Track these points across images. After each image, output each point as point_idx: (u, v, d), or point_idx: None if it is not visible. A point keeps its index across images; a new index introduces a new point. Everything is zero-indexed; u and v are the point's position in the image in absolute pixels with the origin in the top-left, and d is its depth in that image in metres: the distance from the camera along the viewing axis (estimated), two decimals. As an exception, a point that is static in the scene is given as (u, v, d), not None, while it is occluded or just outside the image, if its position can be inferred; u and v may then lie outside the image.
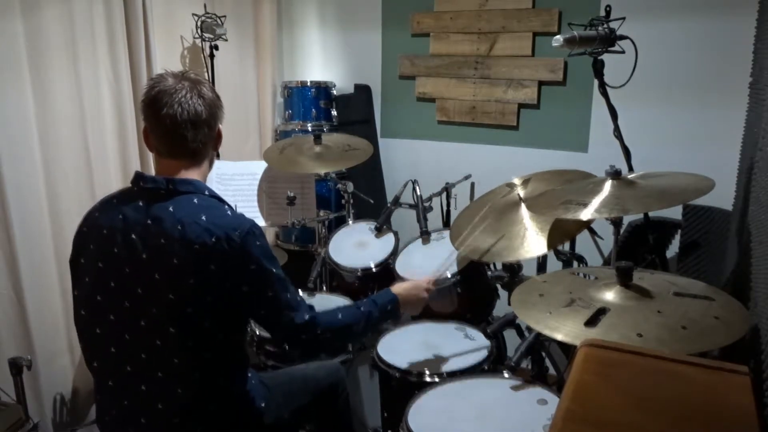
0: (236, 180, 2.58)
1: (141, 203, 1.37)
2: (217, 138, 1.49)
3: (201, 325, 1.34)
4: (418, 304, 1.77)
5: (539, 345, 1.64)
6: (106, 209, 1.42)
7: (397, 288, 1.72)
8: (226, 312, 1.36)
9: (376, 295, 1.69)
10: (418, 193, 2.32)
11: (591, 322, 1.21)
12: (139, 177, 1.42)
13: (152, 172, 1.46)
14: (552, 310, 1.29)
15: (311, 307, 1.49)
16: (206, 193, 1.41)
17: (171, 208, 1.35)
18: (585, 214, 1.49)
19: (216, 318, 1.35)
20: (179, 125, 1.36)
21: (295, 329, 1.44)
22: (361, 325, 1.58)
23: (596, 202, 1.51)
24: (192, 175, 1.42)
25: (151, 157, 2.56)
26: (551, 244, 1.75)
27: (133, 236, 1.35)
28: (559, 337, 1.21)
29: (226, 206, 1.42)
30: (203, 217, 1.33)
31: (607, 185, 1.57)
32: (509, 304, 2.14)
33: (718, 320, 1.15)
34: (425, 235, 2.28)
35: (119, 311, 1.37)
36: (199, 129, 1.39)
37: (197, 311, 1.32)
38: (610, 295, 1.28)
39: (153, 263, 1.33)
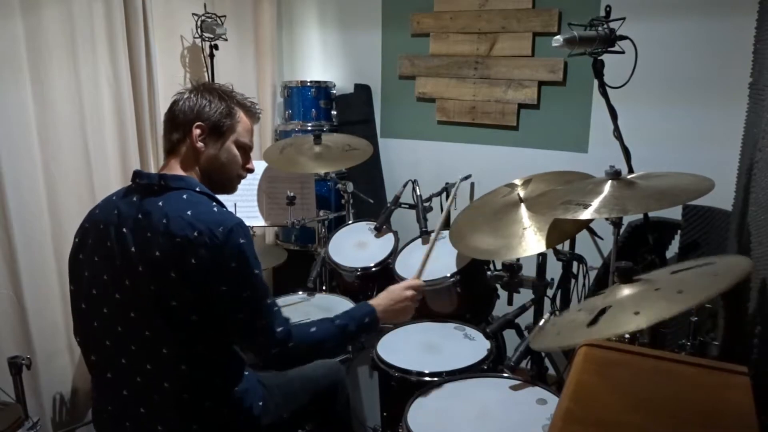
0: (236, 180, 2.58)
1: (135, 198, 1.42)
2: (191, 138, 1.47)
3: (188, 317, 1.34)
4: (404, 309, 1.71)
5: (539, 345, 1.64)
6: (105, 206, 1.47)
7: (375, 300, 1.67)
8: (210, 311, 1.35)
9: (353, 308, 1.66)
10: (418, 193, 2.32)
11: (593, 322, 1.21)
12: (136, 174, 1.47)
13: (153, 171, 1.49)
14: (561, 331, 1.29)
15: (287, 320, 1.45)
16: (197, 189, 1.43)
17: (161, 203, 1.38)
18: (585, 215, 1.49)
19: (202, 314, 1.35)
20: (164, 125, 1.51)
21: (268, 340, 1.40)
22: (335, 340, 1.53)
23: (596, 202, 1.51)
24: (181, 171, 1.47)
25: (151, 156, 2.58)
26: (549, 244, 1.75)
27: (125, 230, 1.38)
28: (569, 345, 1.21)
29: (215, 203, 1.43)
30: (189, 212, 1.35)
31: (607, 186, 1.57)
32: (509, 304, 2.14)
33: (716, 276, 1.12)
34: (425, 235, 2.28)
35: (111, 304, 1.40)
36: (171, 125, 1.49)
37: (181, 304, 1.33)
38: (612, 296, 1.28)
39: (139, 256, 1.35)
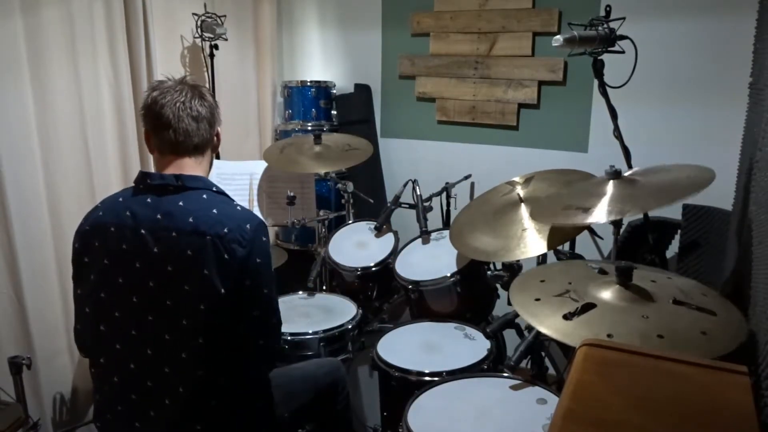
0: (236, 180, 2.58)
1: (149, 200, 1.40)
2: (217, 139, 1.54)
3: (211, 320, 1.34)
4: None
5: (539, 345, 1.64)
6: (111, 208, 1.44)
7: None
8: (230, 309, 1.37)
9: None
10: (418, 192, 2.32)
11: (571, 315, 1.22)
12: (145, 175, 1.44)
13: (152, 171, 1.48)
14: (542, 297, 1.30)
15: None
16: (214, 189, 1.45)
17: (181, 203, 1.38)
18: (586, 220, 1.48)
19: (222, 315, 1.35)
20: (181, 119, 1.42)
21: (277, 336, 1.47)
22: None
23: (597, 206, 1.50)
24: (196, 172, 1.46)
25: (151, 156, 2.57)
26: (549, 245, 1.75)
27: (143, 231, 1.37)
28: (532, 322, 1.23)
29: (235, 202, 1.45)
30: (214, 211, 1.37)
31: (608, 186, 1.56)
32: (509, 303, 2.14)
33: (705, 335, 1.13)
34: (425, 235, 2.28)
35: (125, 307, 1.39)
36: (200, 123, 1.45)
37: (208, 307, 1.33)
38: (606, 293, 1.28)
39: (165, 256, 1.35)
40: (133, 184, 1.46)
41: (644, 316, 1.19)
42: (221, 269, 1.33)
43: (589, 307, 1.24)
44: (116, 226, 1.39)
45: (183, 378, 1.37)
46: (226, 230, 1.33)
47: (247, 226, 1.36)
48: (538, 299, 1.30)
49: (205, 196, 1.41)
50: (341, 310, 2.15)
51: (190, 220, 1.34)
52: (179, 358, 1.36)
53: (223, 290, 1.33)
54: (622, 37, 1.72)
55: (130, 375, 1.40)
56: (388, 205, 2.42)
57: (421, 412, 1.47)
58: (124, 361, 1.40)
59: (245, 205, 2.55)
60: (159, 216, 1.36)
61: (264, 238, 1.40)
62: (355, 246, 2.39)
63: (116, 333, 1.40)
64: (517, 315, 1.89)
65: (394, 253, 2.27)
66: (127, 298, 1.38)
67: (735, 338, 1.14)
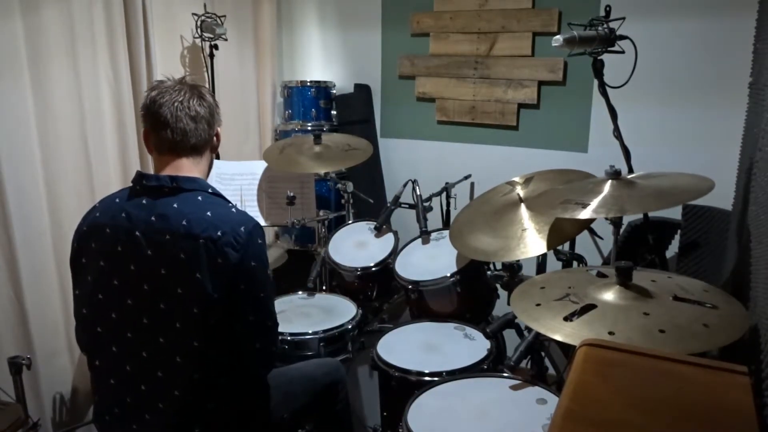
0: (236, 180, 2.58)
1: (145, 201, 1.39)
2: (216, 140, 1.53)
3: (207, 322, 1.34)
4: None
5: (539, 345, 1.64)
6: (108, 209, 1.44)
7: None
8: (224, 312, 1.36)
9: None
10: (418, 192, 2.32)
11: (571, 316, 1.22)
12: (141, 176, 1.43)
13: (152, 172, 1.47)
14: (542, 301, 1.30)
15: None
16: (209, 191, 1.43)
17: (175, 205, 1.36)
18: (583, 214, 1.49)
19: (217, 318, 1.35)
20: (179, 119, 1.41)
21: (275, 338, 1.46)
22: None
23: (595, 201, 1.51)
24: (194, 173, 1.45)
25: (150, 156, 2.57)
26: (548, 245, 1.75)
27: (137, 233, 1.36)
28: (534, 326, 1.23)
29: (230, 204, 1.44)
30: (208, 213, 1.35)
31: (607, 185, 1.57)
32: (509, 303, 2.15)
33: (707, 328, 1.13)
34: (425, 235, 2.28)
35: (121, 309, 1.38)
36: (199, 123, 1.43)
37: (201, 310, 1.33)
38: (607, 294, 1.28)
39: (159, 259, 1.34)
40: (131, 185, 1.46)
41: (645, 313, 1.19)
42: (214, 273, 1.32)
43: (589, 308, 1.24)
44: (112, 227, 1.39)
45: (178, 381, 1.36)
46: (219, 233, 1.32)
47: (242, 228, 1.35)
48: (538, 304, 1.30)
49: (200, 197, 1.40)
50: (341, 310, 2.15)
51: (184, 222, 1.33)
52: (174, 361, 1.35)
53: (216, 294, 1.32)
54: (622, 37, 1.72)
55: (125, 377, 1.40)
56: (388, 205, 2.42)
57: (420, 412, 1.47)
58: (120, 364, 1.40)
59: (246, 205, 2.55)
60: (153, 218, 1.36)
61: (259, 241, 1.38)
62: (355, 246, 2.39)
63: (112, 335, 1.40)
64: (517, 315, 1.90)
65: (394, 253, 2.27)
66: (123, 301, 1.38)
67: (739, 329, 1.14)
